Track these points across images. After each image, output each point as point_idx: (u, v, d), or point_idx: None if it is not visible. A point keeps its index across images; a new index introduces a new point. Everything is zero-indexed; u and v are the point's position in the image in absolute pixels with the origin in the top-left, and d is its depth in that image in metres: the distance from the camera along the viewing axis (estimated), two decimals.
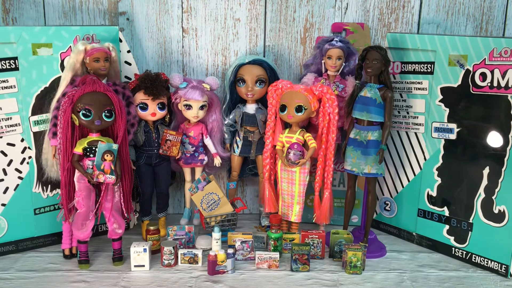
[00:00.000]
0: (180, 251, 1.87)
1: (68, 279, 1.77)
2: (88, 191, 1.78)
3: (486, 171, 1.85)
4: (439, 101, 1.96)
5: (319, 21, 2.21)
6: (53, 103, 1.83)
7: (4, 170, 1.90)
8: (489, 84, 1.80)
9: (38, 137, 1.92)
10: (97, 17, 2.17)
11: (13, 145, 1.90)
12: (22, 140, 1.91)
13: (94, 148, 1.73)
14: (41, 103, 1.91)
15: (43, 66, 1.90)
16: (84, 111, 1.70)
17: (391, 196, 2.18)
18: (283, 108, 1.95)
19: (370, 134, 1.91)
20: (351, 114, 1.95)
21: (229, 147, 2.20)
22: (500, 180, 1.81)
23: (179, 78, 2.02)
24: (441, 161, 1.98)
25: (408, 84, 2.04)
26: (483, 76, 1.81)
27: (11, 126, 1.89)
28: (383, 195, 2.20)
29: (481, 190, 1.87)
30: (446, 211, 1.99)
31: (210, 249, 1.93)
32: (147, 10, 2.18)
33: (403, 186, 2.13)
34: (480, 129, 1.85)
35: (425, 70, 1.98)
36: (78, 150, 1.73)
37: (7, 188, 1.92)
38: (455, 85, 1.90)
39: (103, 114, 1.72)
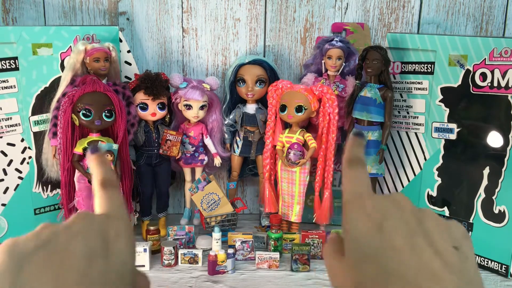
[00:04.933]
0: (180, 251, 1.87)
1: None
2: (89, 191, 1.78)
3: (486, 171, 1.85)
4: (439, 101, 1.95)
5: (319, 21, 2.20)
6: (53, 103, 1.82)
7: (4, 170, 1.90)
8: (489, 84, 1.80)
9: (38, 137, 1.92)
10: (97, 17, 2.17)
11: (13, 145, 1.90)
12: (22, 140, 1.91)
13: None
14: (41, 103, 1.91)
15: (43, 66, 1.90)
16: (84, 111, 1.70)
17: None
18: (283, 108, 1.95)
19: (370, 134, 1.91)
20: (351, 114, 1.95)
21: (229, 147, 2.19)
22: (500, 180, 1.81)
23: (179, 78, 2.02)
24: (441, 161, 1.98)
25: (408, 84, 2.04)
26: (483, 76, 1.81)
27: (11, 126, 1.89)
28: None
29: (481, 190, 1.87)
30: (446, 211, 1.99)
31: (210, 249, 1.93)
32: (147, 10, 2.17)
33: (403, 186, 2.13)
34: (480, 129, 1.85)
35: (425, 70, 1.98)
36: (78, 150, 1.73)
37: (7, 188, 1.91)
38: (455, 85, 1.90)
39: (103, 114, 1.71)
